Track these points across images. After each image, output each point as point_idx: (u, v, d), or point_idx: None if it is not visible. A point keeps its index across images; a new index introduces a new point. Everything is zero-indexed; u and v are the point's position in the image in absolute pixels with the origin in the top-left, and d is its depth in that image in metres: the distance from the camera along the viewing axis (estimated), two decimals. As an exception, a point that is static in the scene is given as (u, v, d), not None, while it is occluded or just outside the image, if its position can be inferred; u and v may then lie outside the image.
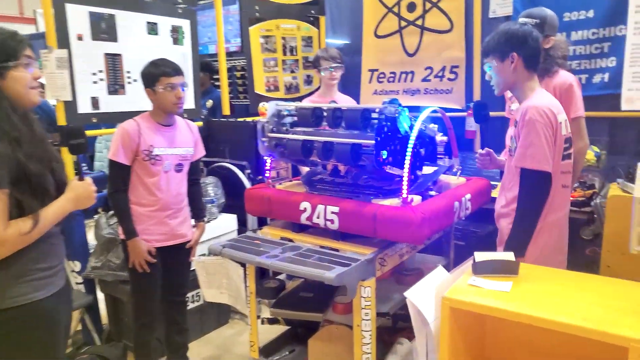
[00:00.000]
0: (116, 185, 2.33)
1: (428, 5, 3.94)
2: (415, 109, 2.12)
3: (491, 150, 2.26)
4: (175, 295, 2.60)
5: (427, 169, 2.23)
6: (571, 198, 2.47)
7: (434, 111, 2.09)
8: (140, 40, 3.14)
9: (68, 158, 2.54)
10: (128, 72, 3.06)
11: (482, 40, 3.73)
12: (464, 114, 3.78)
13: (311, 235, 2.13)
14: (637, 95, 1.42)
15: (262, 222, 2.88)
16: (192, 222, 2.60)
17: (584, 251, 2.80)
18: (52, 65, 2.64)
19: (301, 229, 2.17)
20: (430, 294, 1.48)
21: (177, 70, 2.33)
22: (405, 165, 1.85)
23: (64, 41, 2.72)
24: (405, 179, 1.86)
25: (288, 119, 2.26)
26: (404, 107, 1.96)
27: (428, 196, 2.06)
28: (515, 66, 1.94)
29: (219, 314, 3.31)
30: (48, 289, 1.51)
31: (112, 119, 2.98)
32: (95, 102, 2.92)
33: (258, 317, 2.25)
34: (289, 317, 2.28)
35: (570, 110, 2.29)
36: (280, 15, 4.17)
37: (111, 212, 2.77)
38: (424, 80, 4.04)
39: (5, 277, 1.43)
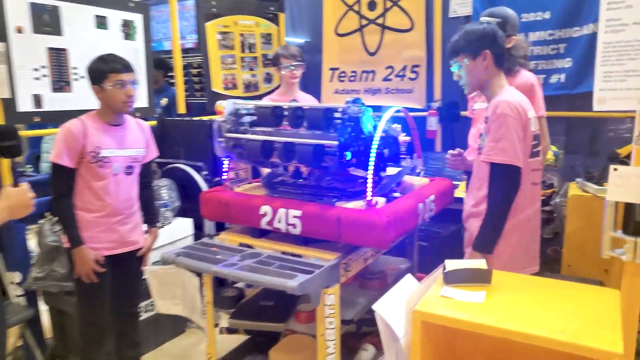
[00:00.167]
0: (59, 190, 2.17)
1: (389, 3, 3.91)
2: (377, 109, 2.07)
3: (462, 150, 2.25)
4: (126, 306, 2.44)
5: (391, 170, 2.18)
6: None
7: (397, 111, 2.04)
8: (88, 34, 2.98)
9: (3, 162, 2.35)
10: (75, 68, 2.89)
11: (442, 39, 3.76)
12: (425, 113, 3.78)
13: (272, 240, 2.03)
14: (609, 95, 1.40)
15: (220, 227, 2.74)
16: (145, 227, 2.46)
17: (546, 250, 2.84)
18: (-12, 60, 2.46)
19: (261, 234, 2.06)
20: (400, 307, 1.41)
21: (127, 67, 2.19)
22: (369, 167, 1.79)
23: (1, 34, 2.55)
24: (369, 180, 1.79)
25: (247, 118, 2.15)
26: (368, 106, 1.90)
27: (392, 198, 2.00)
28: (487, 64, 1.93)
29: (175, 323, 3.16)
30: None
31: (57, 118, 2.77)
32: (37, 99, 2.74)
33: (216, 325, 2.14)
34: (248, 327, 2.18)
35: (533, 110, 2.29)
36: (238, 11, 4.06)
37: (56, 218, 2.59)
38: (385, 79, 4.01)
39: None
